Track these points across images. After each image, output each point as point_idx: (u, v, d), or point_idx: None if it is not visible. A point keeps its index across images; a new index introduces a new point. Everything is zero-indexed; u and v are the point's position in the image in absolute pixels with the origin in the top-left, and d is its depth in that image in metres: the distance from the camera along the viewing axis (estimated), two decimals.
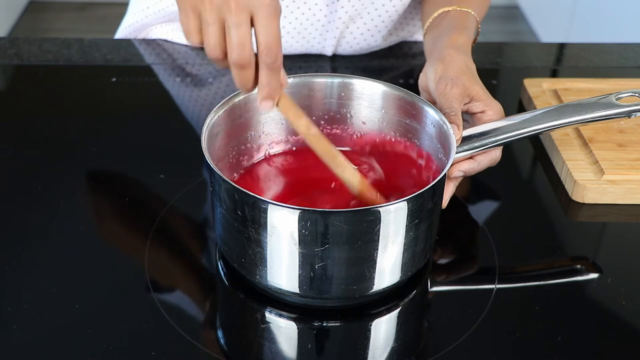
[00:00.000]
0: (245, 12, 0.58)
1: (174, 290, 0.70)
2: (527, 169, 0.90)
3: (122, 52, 1.06)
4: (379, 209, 0.60)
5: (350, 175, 0.67)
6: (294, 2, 0.98)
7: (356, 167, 0.68)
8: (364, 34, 1.03)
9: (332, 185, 0.72)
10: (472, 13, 0.87)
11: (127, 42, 1.08)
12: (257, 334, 0.66)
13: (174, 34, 1.08)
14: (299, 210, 0.60)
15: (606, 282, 0.72)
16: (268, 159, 0.76)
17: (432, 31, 0.87)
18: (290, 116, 0.65)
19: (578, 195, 0.81)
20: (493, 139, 0.72)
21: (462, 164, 0.73)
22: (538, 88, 0.96)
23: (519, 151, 0.89)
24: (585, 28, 2.44)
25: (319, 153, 0.66)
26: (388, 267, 0.64)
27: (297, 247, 0.61)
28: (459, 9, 0.87)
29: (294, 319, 0.67)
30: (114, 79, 1.00)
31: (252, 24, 0.59)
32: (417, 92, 0.77)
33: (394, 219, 0.61)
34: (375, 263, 0.63)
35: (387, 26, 1.03)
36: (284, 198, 0.71)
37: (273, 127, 0.76)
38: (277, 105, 0.63)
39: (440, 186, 0.66)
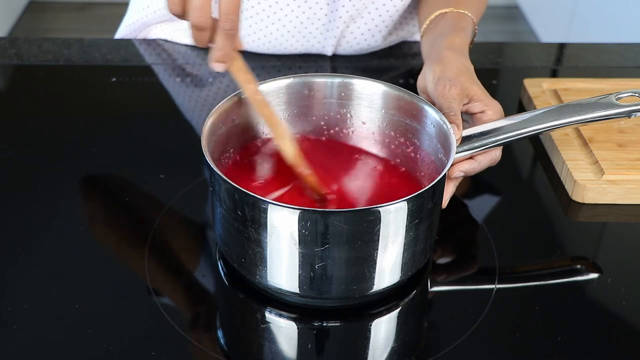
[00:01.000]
0: None
1: (174, 290, 0.70)
2: (527, 169, 0.90)
3: (122, 52, 1.06)
4: (379, 209, 0.60)
5: (287, 146, 0.70)
6: (294, 1, 0.98)
7: (296, 139, 0.71)
8: (365, 33, 1.03)
9: (335, 188, 0.72)
10: (469, 14, 0.87)
11: (127, 42, 1.08)
12: (257, 334, 0.66)
13: (174, 33, 1.08)
14: (299, 210, 0.60)
15: (606, 282, 0.72)
16: (268, 159, 0.76)
17: (430, 33, 0.87)
18: (240, 79, 0.69)
19: (578, 195, 0.81)
20: (493, 139, 0.72)
21: (462, 164, 0.73)
22: (538, 88, 0.96)
23: (519, 151, 0.89)
24: (585, 28, 2.44)
25: (263, 118, 0.71)
26: (388, 267, 0.64)
27: (297, 247, 0.61)
28: (455, 10, 0.87)
29: (294, 319, 0.67)
30: (114, 79, 1.00)
31: None
32: (417, 93, 0.77)
33: (394, 219, 0.61)
34: (375, 263, 0.63)
35: (387, 26, 1.03)
36: (285, 198, 0.71)
37: None
38: (229, 68, 0.67)
39: (440, 186, 0.66)
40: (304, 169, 0.70)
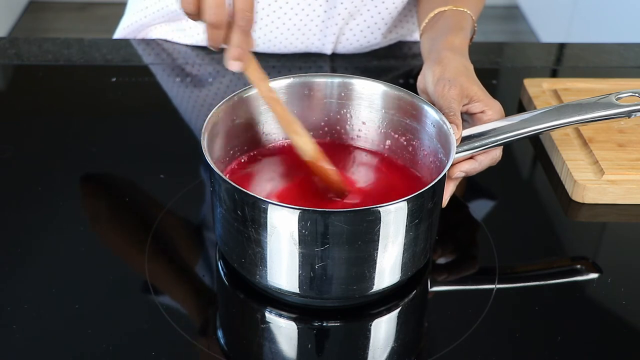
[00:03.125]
0: None
1: (174, 290, 0.70)
2: (527, 169, 0.90)
3: (122, 52, 1.06)
4: (379, 209, 0.60)
5: (304, 143, 0.70)
6: None
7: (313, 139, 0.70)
8: (364, 30, 1.03)
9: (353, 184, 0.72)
10: (468, 12, 0.87)
11: (126, 42, 1.08)
12: (257, 334, 0.66)
13: (174, 33, 1.08)
14: (299, 210, 0.60)
15: (606, 282, 0.72)
16: (268, 158, 0.76)
17: (429, 32, 0.87)
18: (255, 78, 0.68)
19: (578, 195, 0.81)
20: (493, 139, 0.72)
21: (463, 164, 0.73)
22: (538, 88, 0.96)
23: (519, 151, 0.89)
24: (585, 28, 2.44)
25: (277, 116, 0.70)
26: (388, 267, 0.64)
27: (297, 247, 0.61)
28: (454, 8, 0.87)
29: (294, 319, 0.67)
30: (113, 79, 1.00)
31: None
32: (417, 93, 0.77)
33: (394, 219, 0.61)
34: (375, 263, 0.63)
35: (386, 23, 1.03)
36: (285, 198, 0.71)
37: (273, 127, 0.76)
38: (245, 67, 0.66)
39: (440, 186, 0.66)
40: (325, 164, 0.70)
